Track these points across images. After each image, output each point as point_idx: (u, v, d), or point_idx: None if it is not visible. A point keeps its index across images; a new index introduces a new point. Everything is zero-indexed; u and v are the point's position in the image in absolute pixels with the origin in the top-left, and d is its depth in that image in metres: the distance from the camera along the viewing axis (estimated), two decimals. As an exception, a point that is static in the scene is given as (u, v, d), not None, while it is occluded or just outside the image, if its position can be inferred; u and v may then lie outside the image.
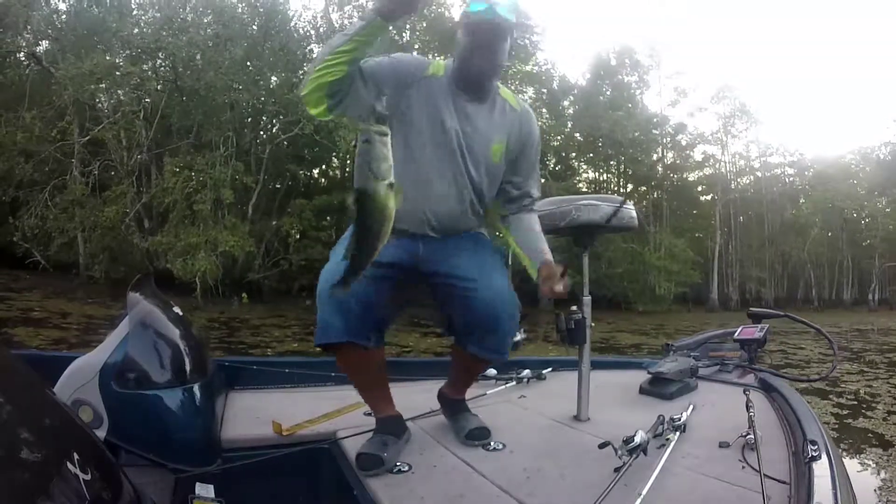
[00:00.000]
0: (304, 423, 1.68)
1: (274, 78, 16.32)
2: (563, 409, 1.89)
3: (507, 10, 1.47)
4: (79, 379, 1.40)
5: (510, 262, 1.76)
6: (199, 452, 1.46)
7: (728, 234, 30.96)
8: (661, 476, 1.30)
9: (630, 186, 29.40)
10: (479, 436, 1.62)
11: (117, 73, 13.55)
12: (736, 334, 2.35)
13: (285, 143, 16.50)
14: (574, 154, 26.22)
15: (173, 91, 15.10)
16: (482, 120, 1.56)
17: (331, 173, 20.82)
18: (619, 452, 1.34)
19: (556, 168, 25.50)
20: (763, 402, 1.91)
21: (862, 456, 4.14)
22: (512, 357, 1.74)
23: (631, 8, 56.32)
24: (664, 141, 28.77)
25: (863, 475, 3.67)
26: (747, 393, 1.70)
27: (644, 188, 28.94)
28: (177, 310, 1.68)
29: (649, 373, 2.13)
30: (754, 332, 2.30)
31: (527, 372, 2.28)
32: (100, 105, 15.07)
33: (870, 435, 4.63)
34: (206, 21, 15.87)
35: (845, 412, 5.31)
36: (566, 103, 26.85)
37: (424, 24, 21.07)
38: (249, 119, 16.61)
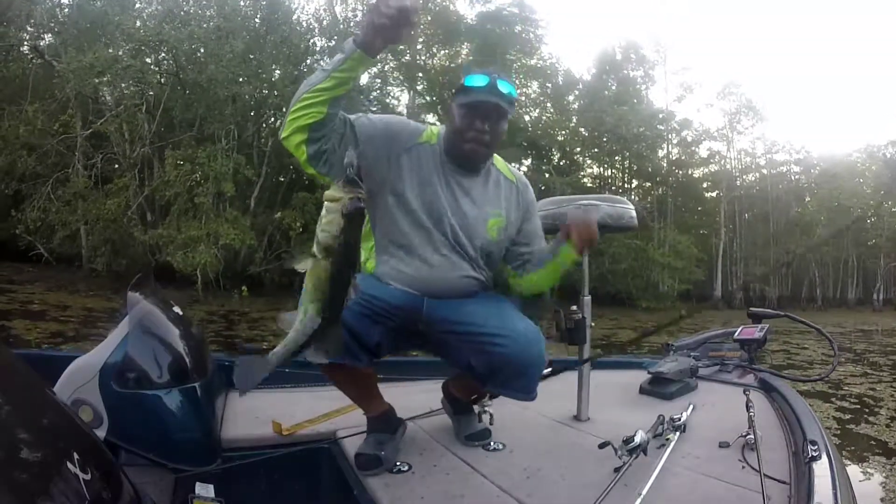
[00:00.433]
0: (303, 422, 1.68)
1: (277, 71, 16.28)
2: (563, 409, 1.90)
3: (509, 87, 1.40)
4: (79, 379, 1.40)
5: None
6: (199, 452, 1.47)
7: (733, 232, 30.82)
8: (661, 476, 1.30)
9: (635, 182, 29.30)
10: (479, 436, 1.63)
11: (118, 66, 13.49)
12: (736, 334, 2.35)
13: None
14: (578, 149, 26.10)
15: (175, 84, 15.07)
16: (476, 194, 1.50)
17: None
18: (619, 452, 1.35)
19: (561, 163, 25.41)
20: (763, 402, 1.91)
21: (864, 465, 3.99)
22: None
23: (636, 2, 55.86)
24: (669, 137, 28.65)
25: (864, 485, 3.54)
26: (747, 393, 1.70)
27: (649, 184, 28.83)
28: (177, 309, 1.68)
29: (649, 373, 2.13)
30: (754, 332, 2.30)
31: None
32: (103, 98, 15.06)
33: (872, 442, 4.50)
34: (207, 14, 15.85)
35: (847, 416, 5.20)
36: (571, 98, 26.76)
37: (429, 18, 21.03)
38: (252, 112, 16.58)
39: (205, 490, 1.39)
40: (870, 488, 3.52)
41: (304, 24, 17.64)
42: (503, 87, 1.39)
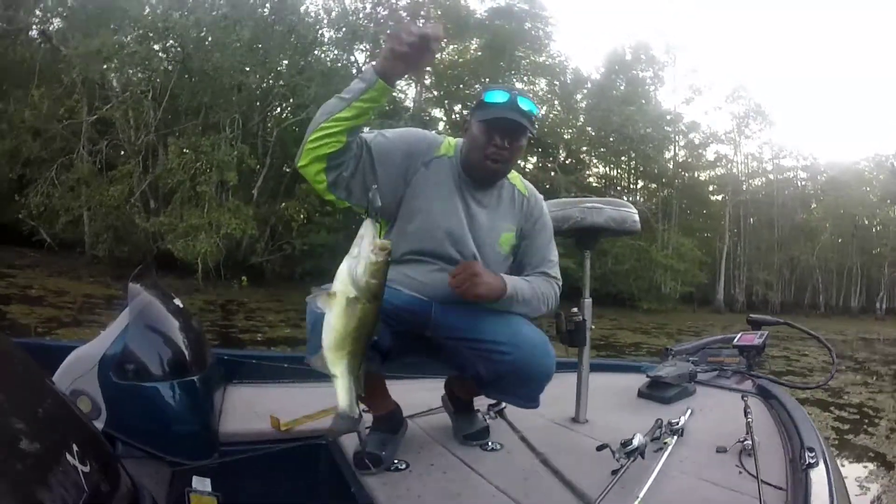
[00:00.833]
0: (302, 418, 1.68)
1: (285, 61, 16.26)
2: (561, 411, 1.90)
3: (530, 104, 1.38)
4: (78, 369, 1.40)
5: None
6: (197, 446, 1.47)
7: (737, 236, 30.73)
8: (659, 480, 1.30)
9: (641, 183, 29.23)
10: (477, 436, 1.63)
11: (124, 52, 13.48)
12: (735, 340, 2.35)
13: (296, 127, 16.51)
14: (585, 148, 26.03)
15: (182, 72, 15.07)
16: (491, 208, 1.50)
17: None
18: (617, 455, 1.35)
19: (567, 162, 25.36)
20: (761, 408, 1.92)
21: (862, 478, 3.83)
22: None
23: (648, 2, 55.57)
24: (676, 139, 28.55)
25: (861, 499, 3.41)
26: (745, 399, 1.70)
27: (655, 185, 28.76)
28: (177, 302, 1.68)
29: (648, 376, 2.13)
30: (753, 338, 2.30)
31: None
32: (110, 84, 15.05)
33: (871, 454, 4.38)
34: (217, 2, 15.82)
35: (846, 427, 5.09)
36: (579, 97, 26.67)
37: (440, 13, 20.98)
38: (258, 102, 16.56)
39: (202, 484, 1.39)
40: (866, 503, 3.43)
41: (313, 14, 17.64)
42: (524, 104, 1.37)
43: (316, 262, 15.66)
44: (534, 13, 22.57)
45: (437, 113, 22.14)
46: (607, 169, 28.55)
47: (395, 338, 1.40)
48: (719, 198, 31.68)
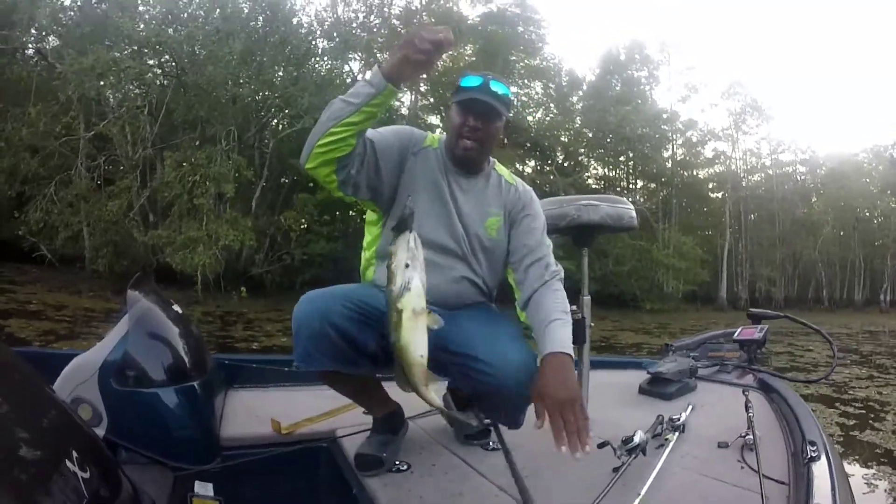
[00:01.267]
0: (303, 421, 1.68)
1: (280, 73, 16.33)
2: (562, 409, 1.89)
3: (502, 87, 1.41)
4: (78, 376, 1.40)
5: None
6: (199, 451, 1.47)
7: (738, 233, 30.67)
8: (660, 476, 1.30)
9: (640, 183, 29.23)
10: (478, 435, 1.63)
11: (114, 67, 13.52)
12: (735, 335, 2.35)
13: (295, 137, 16.59)
14: (582, 150, 26.07)
15: (178, 86, 15.13)
16: (476, 193, 1.51)
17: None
18: (618, 452, 1.35)
19: (564, 164, 25.38)
20: (762, 402, 1.91)
21: (868, 476, 3.69)
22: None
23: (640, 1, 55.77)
24: (674, 137, 28.57)
25: (867, 498, 3.30)
26: (746, 393, 1.69)
27: (654, 185, 28.76)
28: (177, 308, 1.69)
29: (649, 373, 2.13)
30: (754, 332, 2.30)
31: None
32: (106, 100, 15.11)
33: (877, 451, 4.24)
34: (204, 13, 15.89)
35: (852, 422, 4.98)
36: (574, 99, 26.73)
37: (433, 20, 21.05)
38: (254, 114, 16.62)
39: (204, 489, 1.40)
40: (873, 501, 3.34)
41: (306, 25, 17.71)
42: (496, 87, 1.40)
43: (316, 272, 15.69)
44: (526, 16, 22.70)
45: (434, 120, 22.19)
46: (606, 170, 28.58)
47: (382, 341, 1.38)
48: (719, 195, 31.66)
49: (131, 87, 14.92)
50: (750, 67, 60.54)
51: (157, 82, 15.24)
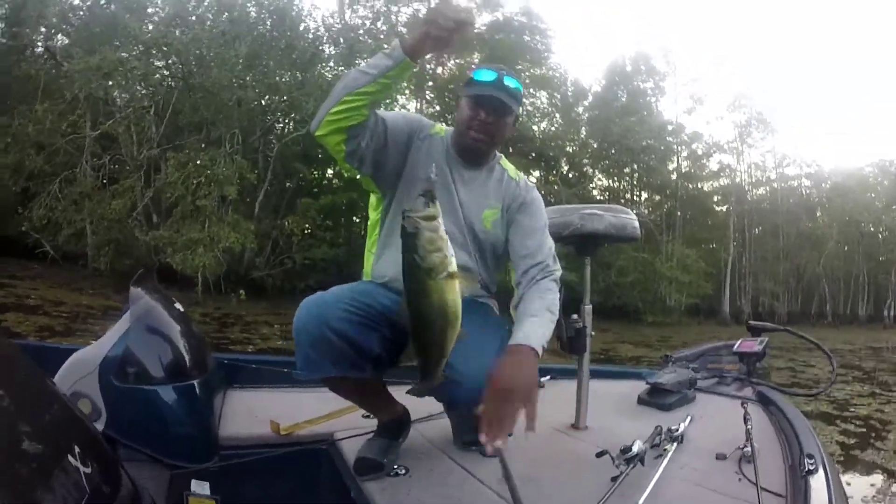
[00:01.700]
0: (302, 423, 1.68)
1: (288, 76, 16.42)
2: (561, 418, 1.89)
3: (515, 83, 1.41)
4: (78, 371, 1.41)
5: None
6: (197, 449, 1.47)
7: (742, 246, 30.52)
8: (658, 486, 1.30)
9: (644, 195, 29.19)
10: (477, 441, 1.62)
11: (121, 68, 13.60)
12: (735, 347, 2.34)
13: (300, 142, 16.66)
14: (587, 160, 26.07)
15: (185, 88, 15.19)
16: (477, 184, 1.51)
17: (346, 175, 20.97)
18: (617, 462, 1.35)
19: (569, 175, 25.39)
20: (761, 415, 1.91)
21: (868, 499, 3.59)
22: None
23: (645, 12, 55.91)
24: (679, 149, 28.57)
25: None
26: (745, 406, 1.69)
27: (658, 197, 28.71)
28: (178, 306, 1.69)
29: (648, 383, 2.13)
30: (753, 345, 2.29)
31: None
32: (113, 100, 15.20)
33: (878, 472, 4.14)
34: (212, 16, 15.96)
35: (852, 441, 4.87)
36: (580, 109, 26.78)
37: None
38: (260, 118, 16.68)
39: (201, 487, 1.40)
40: None
41: (312, 31, 17.80)
42: (509, 82, 1.40)
43: (318, 277, 15.69)
44: (532, 26, 22.76)
45: (443, 128, 22.25)
46: (610, 181, 28.56)
47: (386, 344, 1.37)
48: (723, 208, 31.51)
49: (139, 87, 15.02)
50: (755, 80, 60.54)
51: (164, 83, 15.30)
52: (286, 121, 17.52)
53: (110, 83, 14.16)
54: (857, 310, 33.31)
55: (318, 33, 17.87)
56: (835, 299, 33.14)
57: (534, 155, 22.83)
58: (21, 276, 12.95)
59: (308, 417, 1.71)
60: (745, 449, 1.50)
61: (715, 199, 31.89)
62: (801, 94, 63.92)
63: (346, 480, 1.45)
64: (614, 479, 1.30)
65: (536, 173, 24.29)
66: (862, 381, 8.67)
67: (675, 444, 1.56)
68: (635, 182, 28.61)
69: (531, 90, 23.61)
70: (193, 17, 16.04)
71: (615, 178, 28.38)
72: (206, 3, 16.67)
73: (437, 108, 22.28)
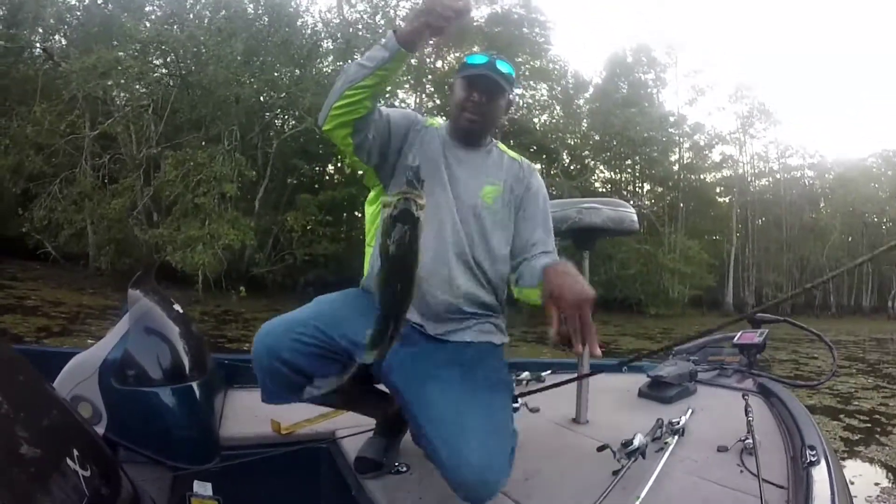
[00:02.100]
0: (302, 422, 1.68)
1: (287, 73, 16.39)
2: (561, 412, 1.90)
3: (507, 66, 1.41)
4: (78, 375, 1.41)
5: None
6: (198, 450, 1.48)
7: (745, 237, 30.47)
8: (660, 479, 1.31)
9: (647, 187, 29.12)
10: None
11: (118, 67, 13.57)
12: (735, 339, 2.33)
13: (299, 138, 16.64)
14: (587, 152, 25.99)
15: (183, 86, 15.18)
16: (474, 164, 1.47)
17: (346, 170, 20.93)
18: (618, 455, 1.36)
19: (571, 167, 25.32)
20: (762, 406, 1.91)
21: (873, 498, 3.38)
22: (511, 359, 1.74)
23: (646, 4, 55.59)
24: (681, 141, 28.46)
25: None
26: (746, 397, 1.69)
27: (661, 189, 28.63)
28: (177, 307, 1.69)
29: (649, 376, 2.13)
30: (753, 336, 2.29)
31: (526, 374, 2.28)
32: (112, 99, 15.20)
33: (884, 468, 3.94)
34: (210, 13, 15.95)
35: (856, 437, 4.67)
36: (581, 101, 26.69)
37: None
38: (259, 114, 16.66)
39: (203, 488, 1.40)
40: None
41: (310, 27, 17.75)
42: (501, 65, 1.40)
43: (319, 272, 15.71)
44: (531, 18, 22.66)
45: (439, 121, 22.21)
46: (612, 173, 28.49)
47: (347, 372, 1.31)
48: (726, 199, 31.46)
49: (137, 86, 15.02)
50: (757, 70, 60.21)
51: (162, 82, 15.28)
52: (285, 117, 17.51)
53: (109, 83, 14.14)
54: (861, 301, 33.27)
55: (316, 28, 17.84)
56: (839, 290, 33.09)
57: (535, 148, 22.74)
58: (22, 278, 12.94)
59: (308, 416, 1.71)
60: (747, 441, 1.50)
61: (717, 190, 31.85)
62: (804, 84, 63.55)
63: (348, 479, 1.46)
64: (616, 472, 1.31)
65: (538, 166, 24.15)
66: (866, 374, 8.49)
67: (676, 436, 1.56)
68: (637, 174, 28.52)
69: (531, 82, 23.53)
70: (191, 15, 16.02)
71: (617, 171, 28.30)
72: (203, 1, 16.65)
73: (437, 101, 22.23)
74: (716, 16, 63.13)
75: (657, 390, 2.07)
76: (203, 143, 15.05)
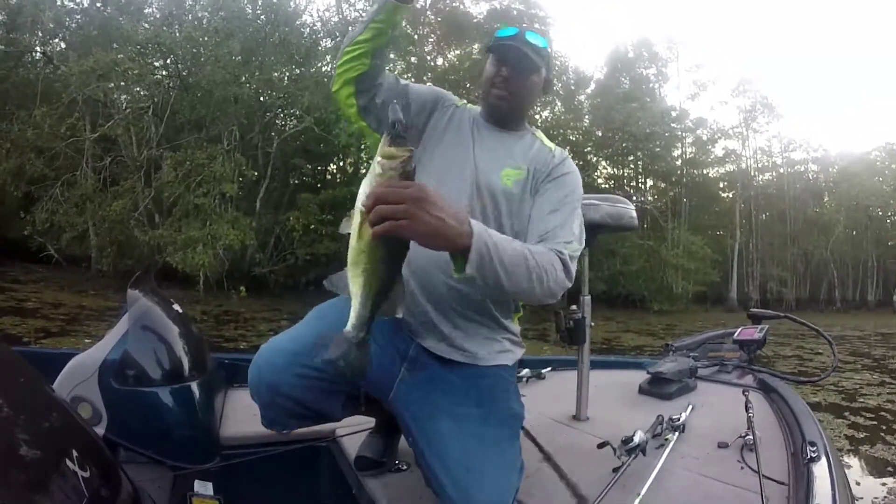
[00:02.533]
0: (303, 421, 1.69)
1: (286, 72, 16.39)
2: (562, 409, 1.89)
3: (538, 38, 1.35)
4: (78, 376, 1.41)
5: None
6: (198, 450, 1.48)
7: (749, 232, 30.36)
8: (660, 476, 1.31)
9: (649, 182, 29.03)
10: None
11: (116, 69, 13.58)
12: (735, 335, 2.33)
13: (299, 137, 16.64)
14: (589, 148, 25.92)
15: (182, 87, 15.19)
16: (499, 144, 1.38)
17: (348, 169, 20.93)
18: (618, 452, 1.35)
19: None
20: (762, 402, 1.91)
21: (879, 500, 3.31)
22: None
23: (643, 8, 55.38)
24: (683, 136, 28.35)
25: None
26: (746, 394, 1.69)
27: (663, 184, 28.54)
28: (176, 307, 1.69)
29: (649, 373, 2.12)
30: (754, 332, 2.29)
31: (526, 371, 2.27)
32: (112, 102, 15.22)
33: (890, 468, 3.86)
34: (209, 14, 15.92)
35: (861, 435, 4.61)
36: (582, 97, 26.61)
37: (439, 19, 21.04)
38: (259, 114, 16.67)
39: (204, 488, 1.41)
40: None
41: (309, 26, 17.73)
42: (531, 37, 1.34)
43: (320, 272, 15.72)
44: (531, 14, 22.59)
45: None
46: (615, 169, 28.40)
47: (352, 402, 1.28)
48: (729, 194, 31.35)
49: (137, 88, 15.04)
50: (759, 65, 59.95)
51: (162, 83, 15.29)
52: (285, 116, 17.52)
53: (110, 85, 14.17)
54: (867, 295, 33.14)
55: (315, 28, 17.83)
56: (843, 285, 32.96)
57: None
58: (24, 280, 13.01)
59: (309, 416, 1.71)
60: (747, 437, 1.50)
61: (721, 185, 31.73)
62: (807, 78, 63.21)
63: (348, 477, 1.46)
64: (616, 469, 1.31)
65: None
66: (871, 370, 8.34)
67: (676, 433, 1.56)
68: (640, 169, 28.44)
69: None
70: (189, 16, 16.02)
71: (620, 166, 28.22)
72: (202, 2, 16.65)
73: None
74: (715, 15, 62.83)
75: (657, 387, 2.07)
76: (203, 144, 15.07)
